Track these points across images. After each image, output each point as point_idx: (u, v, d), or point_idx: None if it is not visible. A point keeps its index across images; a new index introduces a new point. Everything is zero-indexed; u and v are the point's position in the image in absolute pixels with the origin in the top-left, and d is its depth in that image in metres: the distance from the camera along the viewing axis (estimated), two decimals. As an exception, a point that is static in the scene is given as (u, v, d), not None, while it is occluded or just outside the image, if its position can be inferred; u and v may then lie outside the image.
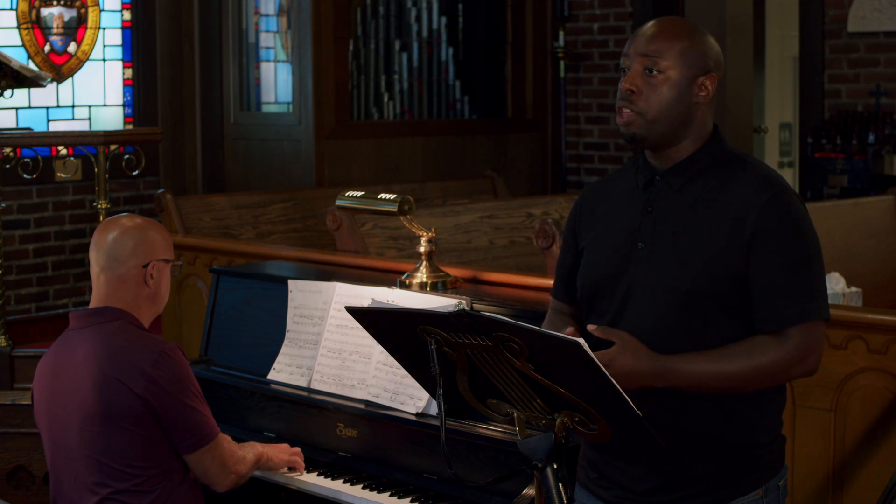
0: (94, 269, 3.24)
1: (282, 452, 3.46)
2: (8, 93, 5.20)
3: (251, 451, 3.37)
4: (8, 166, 5.25)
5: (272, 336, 3.80)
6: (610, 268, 2.58)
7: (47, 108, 6.80)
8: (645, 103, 2.53)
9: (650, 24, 2.61)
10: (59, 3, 6.79)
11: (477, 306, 3.42)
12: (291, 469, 3.49)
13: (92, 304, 3.25)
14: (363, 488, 3.34)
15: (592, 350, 2.20)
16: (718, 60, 2.59)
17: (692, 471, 2.53)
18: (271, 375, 3.74)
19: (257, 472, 3.43)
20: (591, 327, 2.49)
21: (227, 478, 3.25)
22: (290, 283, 3.77)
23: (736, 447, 2.54)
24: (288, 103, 7.25)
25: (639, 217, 2.58)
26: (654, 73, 2.53)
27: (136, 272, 3.21)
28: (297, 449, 3.50)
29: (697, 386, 2.46)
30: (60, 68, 6.81)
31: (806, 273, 2.48)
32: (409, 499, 3.26)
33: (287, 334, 3.74)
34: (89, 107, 6.98)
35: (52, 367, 3.24)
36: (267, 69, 7.42)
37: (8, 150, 5.27)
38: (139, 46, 7.14)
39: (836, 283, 4.47)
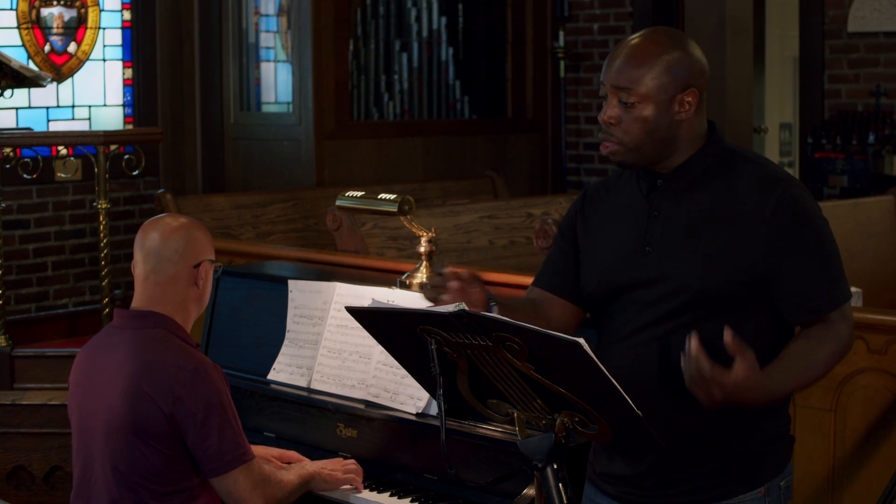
0: (142, 270, 3.14)
1: (336, 471, 3.30)
2: (8, 93, 5.19)
3: (296, 473, 3.23)
4: (8, 166, 5.25)
5: (272, 336, 3.80)
6: (619, 274, 2.58)
7: (47, 108, 6.79)
8: (624, 133, 2.52)
9: (620, 48, 2.55)
10: (59, 3, 6.79)
11: (477, 306, 3.41)
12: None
13: (135, 305, 3.16)
14: (363, 488, 3.34)
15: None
16: (699, 70, 2.53)
17: (697, 468, 2.54)
18: (271, 375, 3.74)
19: None
20: (727, 335, 2.31)
21: (256, 503, 3.10)
22: (290, 283, 3.77)
23: (741, 446, 2.54)
24: (288, 103, 7.25)
25: (645, 221, 2.57)
26: (629, 104, 2.50)
27: (186, 273, 3.14)
28: (356, 467, 3.34)
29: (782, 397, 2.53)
30: (60, 68, 6.81)
31: (828, 260, 2.51)
32: (409, 499, 3.26)
33: (287, 334, 3.74)
34: (89, 107, 6.97)
35: (90, 361, 3.17)
36: (267, 69, 7.42)
37: (8, 150, 5.27)
38: (139, 46, 7.13)
39: (836, 283, 4.45)
